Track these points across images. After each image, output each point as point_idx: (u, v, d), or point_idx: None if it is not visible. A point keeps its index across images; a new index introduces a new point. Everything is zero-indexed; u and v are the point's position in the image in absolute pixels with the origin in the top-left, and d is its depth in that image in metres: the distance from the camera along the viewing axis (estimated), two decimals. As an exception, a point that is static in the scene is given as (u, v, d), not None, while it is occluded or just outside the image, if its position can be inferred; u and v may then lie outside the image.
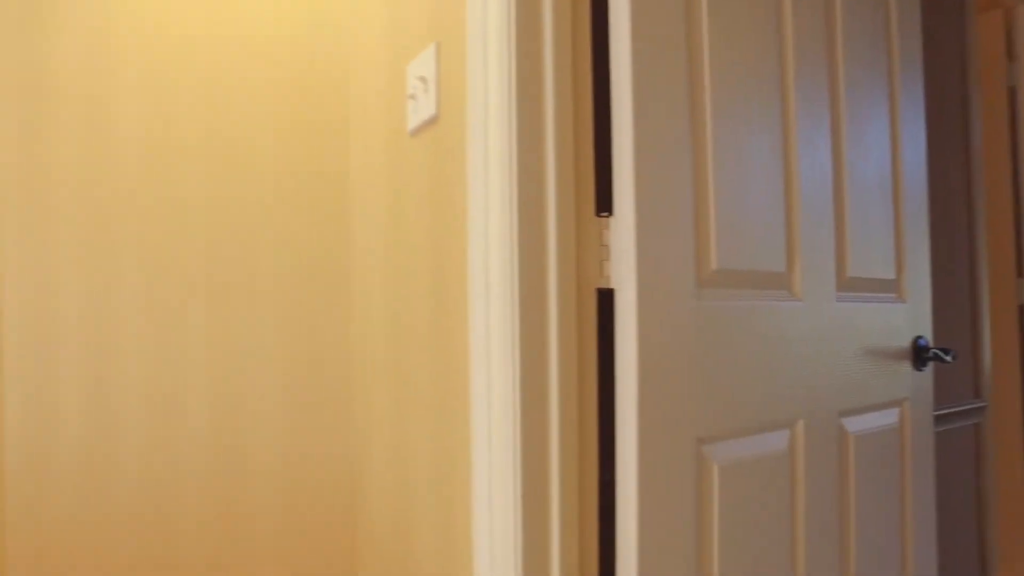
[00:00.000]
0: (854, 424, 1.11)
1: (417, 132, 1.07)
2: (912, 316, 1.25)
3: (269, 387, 1.43)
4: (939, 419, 1.60)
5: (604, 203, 0.86)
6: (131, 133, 1.57)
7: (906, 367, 1.23)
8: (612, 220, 0.85)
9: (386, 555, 1.22)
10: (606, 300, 0.86)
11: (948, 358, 1.21)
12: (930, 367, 1.27)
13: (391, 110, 1.18)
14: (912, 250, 1.25)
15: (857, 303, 1.12)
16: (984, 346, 1.80)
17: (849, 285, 1.11)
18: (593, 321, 0.86)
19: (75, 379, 1.64)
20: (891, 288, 1.21)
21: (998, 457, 1.95)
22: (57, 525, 1.67)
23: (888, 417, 1.18)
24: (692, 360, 0.86)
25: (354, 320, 1.37)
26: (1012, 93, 1.95)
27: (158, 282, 1.54)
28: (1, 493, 1.72)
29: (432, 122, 1.02)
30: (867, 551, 1.12)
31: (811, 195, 1.04)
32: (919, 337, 1.25)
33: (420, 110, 1.05)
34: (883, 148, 1.19)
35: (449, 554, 0.97)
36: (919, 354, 1.24)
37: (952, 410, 1.65)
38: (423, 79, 1.04)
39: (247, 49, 1.45)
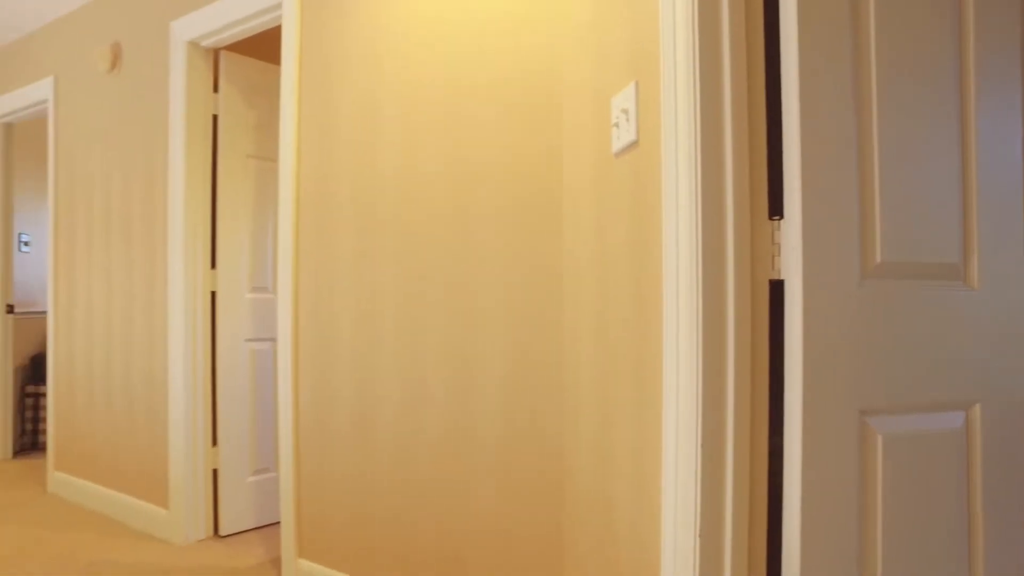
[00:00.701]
0: None
1: (620, 154, 1.32)
2: None
3: (494, 373, 1.77)
4: None
5: (776, 208, 1.03)
6: (389, 161, 2.02)
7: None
8: (783, 223, 1.02)
9: (588, 518, 1.48)
10: (777, 290, 1.03)
11: None
12: None
13: (598, 136, 1.44)
14: None
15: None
16: None
17: (1041, 280, 1.14)
18: (766, 308, 1.04)
19: (348, 363, 2.13)
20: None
21: None
22: (333, 477, 2.16)
23: None
24: (855, 341, 0.99)
25: (565, 316, 1.65)
26: None
27: (408, 283, 1.95)
28: (298, 450, 2.28)
29: (632, 146, 1.26)
30: (1062, 544, 1.13)
31: (994, 184, 1.10)
32: None
33: (622, 136, 1.29)
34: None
35: (641, 517, 1.20)
36: None
37: None
38: (625, 110, 1.28)
39: (479, 92, 1.80)
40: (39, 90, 3.55)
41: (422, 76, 1.93)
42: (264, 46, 3.20)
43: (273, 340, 2.90)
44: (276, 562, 2.46)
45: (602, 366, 1.41)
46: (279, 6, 2.36)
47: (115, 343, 3.04)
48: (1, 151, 4.03)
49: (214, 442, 2.76)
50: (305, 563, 2.22)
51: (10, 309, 4.08)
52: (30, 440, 4.23)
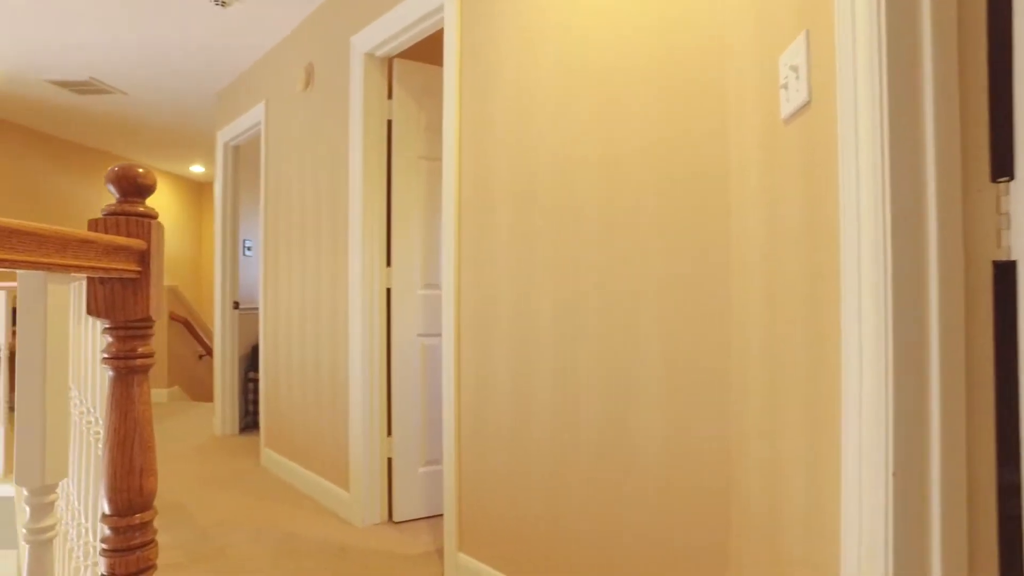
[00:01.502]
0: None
1: (790, 119, 1.11)
2: None
3: (652, 377, 1.61)
4: None
5: (1001, 167, 0.78)
6: (543, 154, 1.94)
7: None
8: (1012, 184, 0.76)
9: (757, 530, 1.27)
10: (1005, 274, 0.77)
11: None
12: None
13: (765, 103, 1.23)
14: None
15: None
16: None
17: None
18: (989, 299, 0.79)
19: (505, 362, 2.09)
20: None
21: None
22: (492, 475, 2.13)
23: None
24: None
25: (732, 311, 1.45)
26: None
27: (563, 280, 1.86)
28: (459, 445, 2.29)
29: (804, 108, 1.05)
30: None
31: None
32: None
33: (792, 97, 1.08)
34: None
35: (816, 538, 0.98)
36: None
37: None
38: (794, 67, 1.07)
39: (635, 74, 1.66)
40: (254, 114, 4.03)
41: (577, 65, 1.83)
42: (432, 50, 3.32)
43: (439, 336, 2.98)
44: (440, 552, 2.51)
45: (770, 370, 1.20)
46: (441, 9, 2.41)
47: (307, 337, 3.34)
48: (230, 169, 4.65)
49: (389, 432, 2.90)
50: (464, 557, 2.23)
51: (236, 305, 4.69)
52: (252, 419, 4.83)
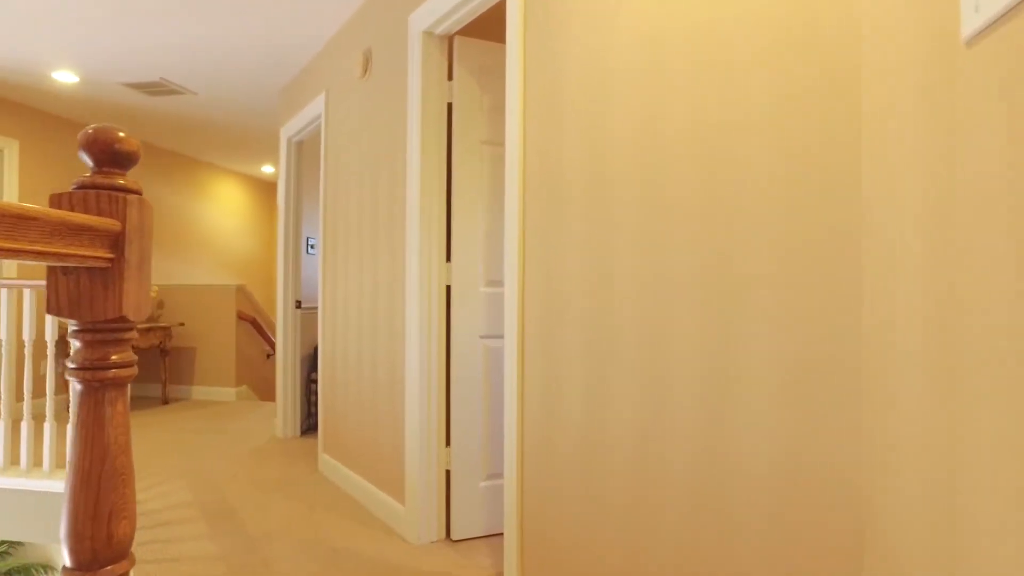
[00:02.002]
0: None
1: (978, 38, 0.79)
2: None
3: (763, 387, 1.30)
4: None
5: None
6: (622, 131, 1.65)
7: None
8: None
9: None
10: None
11: None
12: None
13: (928, 26, 0.91)
14: None
15: None
16: None
17: None
18: None
19: (576, 368, 1.81)
20: None
21: None
22: (558, 495, 1.86)
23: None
24: None
25: (865, 308, 1.13)
26: None
27: (648, 275, 1.57)
28: (522, 460, 2.03)
29: (1009, 14, 0.73)
30: None
31: None
32: None
33: (985, 5, 0.76)
34: None
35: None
36: None
37: None
38: (992, -36, 0.75)
39: (734, 27, 1.35)
40: (315, 106, 3.90)
41: (661, 28, 1.54)
42: (495, 26, 3.07)
43: (502, 337, 2.73)
44: (503, 580, 2.26)
45: (942, 369, 0.88)
46: (504, -29, 2.15)
47: (363, 337, 3.16)
48: (293, 165, 4.56)
49: (447, 442, 2.67)
50: (528, 591, 1.96)
51: (298, 305, 4.60)
52: (314, 421, 4.74)
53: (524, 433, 2.02)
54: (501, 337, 2.70)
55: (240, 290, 6.17)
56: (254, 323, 6.27)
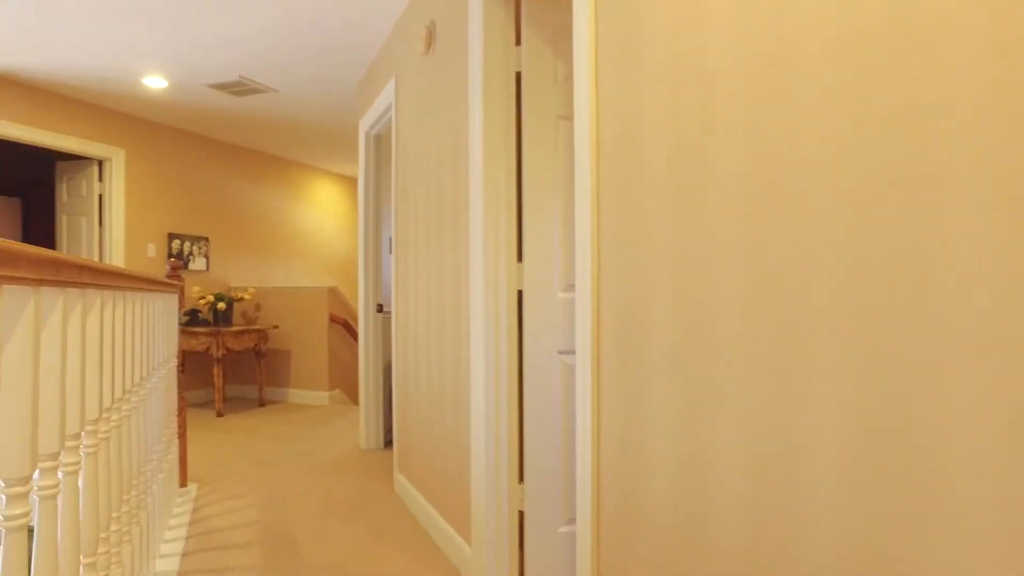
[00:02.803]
0: None
1: None
2: None
3: (968, 437, 0.77)
4: None
5: None
6: (727, 89, 1.14)
7: None
8: None
9: None
10: None
11: None
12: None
13: None
14: None
15: None
16: None
17: None
18: None
19: (664, 399, 1.32)
20: None
21: None
22: (644, 558, 1.38)
23: None
24: None
25: None
26: None
27: (766, 279, 1.06)
28: (597, 508, 1.57)
29: None
30: None
31: None
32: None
33: None
34: None
35: None
36: None
37: None
38: None
39: None
40: (386, 94, 3.60)
41: None
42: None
43: (589, 352, 2.26)
44: (582, 659, 1.80)
45: None
46: None
47: (432, 347, 2.80)
48: (371, 159, 4.31)
49: (520, 478, 2.25)
50: None
51: (379, 308, 4.35)
52: (398, 431, 4.47)
53: (600, 477, 1.56)
54: (583, 351, 2.24)
55: (332, 292, 6.07)
56: (346, 326, 6.16)
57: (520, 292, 2.24)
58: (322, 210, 7.78)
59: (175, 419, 3.07)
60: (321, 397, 5.91)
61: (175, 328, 3.07)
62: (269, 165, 6.90)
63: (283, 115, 5.35)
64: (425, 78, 2.88)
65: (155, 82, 4.54)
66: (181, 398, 3.22)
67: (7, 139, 4.58)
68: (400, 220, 3.32)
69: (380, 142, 4.36)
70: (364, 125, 4.25)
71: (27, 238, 7.34)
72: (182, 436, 3.21)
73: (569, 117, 2.24)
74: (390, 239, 5.39)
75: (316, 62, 4.15)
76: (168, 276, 3.20)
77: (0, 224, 7.39)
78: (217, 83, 4.54)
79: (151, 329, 2.35)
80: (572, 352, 2.22)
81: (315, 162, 7.37)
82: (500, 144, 2.22)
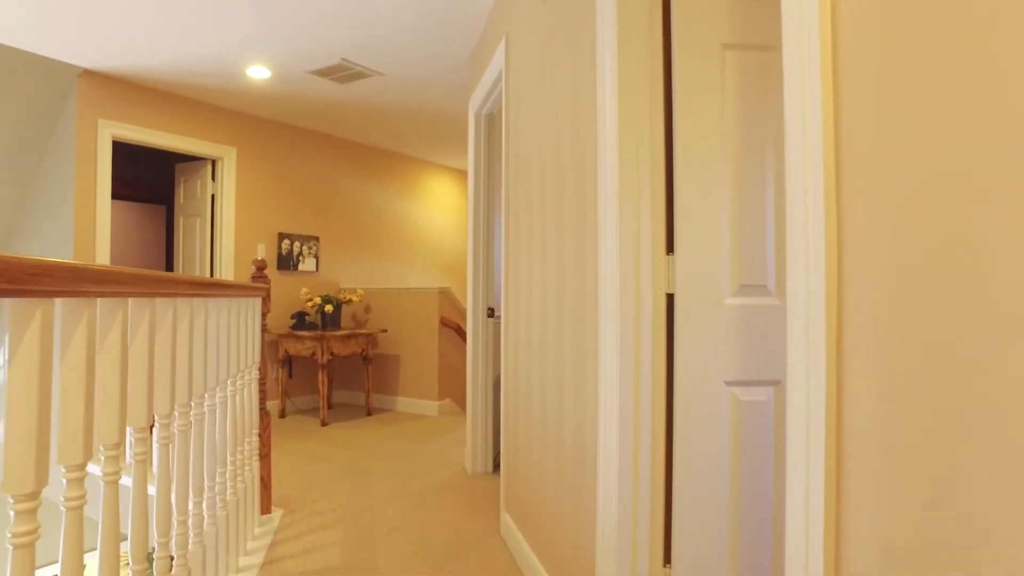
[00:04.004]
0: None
1: None
2: None
3: None
4: None
5: None
6: None
7: None
8: None
9: None
10: None
11: None
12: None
13: None
14: None
15: None
16: None
17: None
18: None
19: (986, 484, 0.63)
20: None
21: None
22: None
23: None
24: None
25: None
26: None
27: None
28: None
29: None
30: None
31: None
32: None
33: None
34: None
35: None
36: None
37: None
38: None
39: None
40: (496, 62, 3.06)
41: None
42: None
43: (776, 384, 1.55)
44: None
45: None
46: None
47: (547, 363, 2.20)
48: (483, 143, 3.80)
49: (666, 559, 1.59)
50: None
51: (490, 313, 3.83)
52: (509, 453, 3.92)
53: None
54: (767, 384, 1.54)
55: (443, 294, 5.66)
56: (458, 330, 5.72)
57: (670, 296, 1.59)
58: (435, 207, 7.44)
59: (256, 437, 2.69)
60: (430, 407, 5.51)
61: (256, 334, 2.69)
62: (380, 160, 6.64)
63: (390, 101, 4.99)
64: (541, 31, 2.29)
65: (259, 72, 4.30)
66: (264, 413, 2.84)
67: (134, 143, 4.54)
68: (512, 207, 2.76)
69: (492, 123, 3.83)
70: (474, 104, 3.74)
71: (168, 243, 7.57)
72: (265, 457, 2.83)
73: (745, 46, 1.56)
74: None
75: (422, 37, 3.70)
76: (253, 278, 2.83)
77: (148, 231, 7.69)
78: (319, 68, 4.22)
79: (224, 336, 1.95)
80: (749, 383, 1.53)
81: (427, 156, 7.04)
82: (640, 90, 1.58)
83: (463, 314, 5.87)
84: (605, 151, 1.62)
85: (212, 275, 5.23)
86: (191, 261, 5.26)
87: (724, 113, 1.54)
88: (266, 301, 2.86)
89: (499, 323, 3.91)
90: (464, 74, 4.32)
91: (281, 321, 5.57)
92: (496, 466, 3.82)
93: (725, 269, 1.53)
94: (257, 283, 2.81)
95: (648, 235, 1.56)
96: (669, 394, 1.58)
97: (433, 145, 6.48)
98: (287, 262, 5.62)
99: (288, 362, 5.56)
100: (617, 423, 1.57)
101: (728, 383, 1.53)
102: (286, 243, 5.63)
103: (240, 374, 2.35)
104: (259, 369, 2.79)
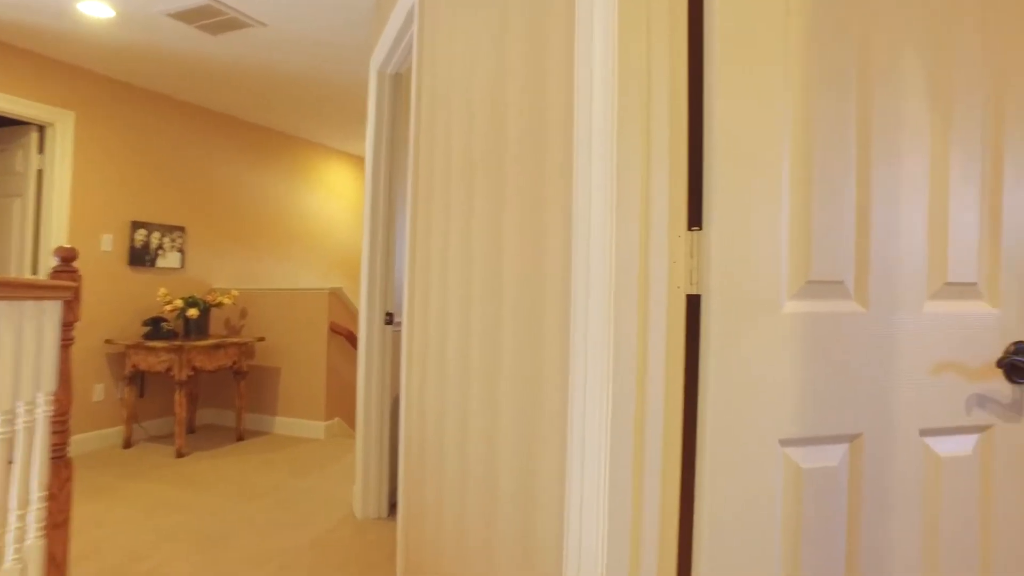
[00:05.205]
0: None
1: None
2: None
3: None
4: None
5: None
6: None
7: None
8: None
9: None
10: None
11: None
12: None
13: None
14: None
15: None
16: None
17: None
18: None
19: None
20: None
21: None
22: None
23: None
24: None
25: None
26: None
27: None
28: None
29: None
30: None
31: None
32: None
33: None
34: None
35: None
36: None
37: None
38: None
39: None
40: (403, 4, 2.38)
41: None
42: None
43: (854, 439, 0.98)
44: None
45: None
46: None
47: (472, 394, 1.54)
48: (385, 110, 3.09)
49: None
50: None
51: (389, 319, 3.13)
52: (411, 491, 3.22)
53: None
54: (839, 441, 0.97)
55: (335, 296, 4.86)
56: (351, 338, 4.94)
57: (694, 300, 0.98)
58: (333, 198, 6.59)
59: (43, 502, 1.85)
60: (316, 428, 4.69)
61: (52, 353, 1.86)
62: (265, 141, 5.73)
63: (277, 65, 4.16)
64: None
65: (97, 8, 3.37)
66: (63, 464, 2.00)
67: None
68: (421, 183, 2.09)
69: (398, 85, 3.14)
70: (376, 61, 3.04)
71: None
72: (60, 527, 1.99)
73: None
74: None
75: (309, -27, 2.96)
76: (54, 273, 1.99)
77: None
78: (179, 10, 3.35)
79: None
80: (819, 441, 0.96)
81: (324, 139, 6.19)
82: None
83: (358, 320, 5.09)
84: (592, 68, 1.00)
85: (36, 272, 4.16)
86: (3, 254, 4.16)
87: (790, 11, 0.97)
88: (72, 305, 2.02)
89: (400, 331, 3.21)
90: (368, 32, 3.60)
91: (132, 329, 4.56)
92: (393, 507, 3.12)
93: (783, 254, 0.95)
94: (59, 280, 1.98)
95: (659, 204, 0.96)
96: (689, 451, 0.98)
97: (331, 126, 5.66)
98: (142, 257, 4.61)
99: (138, 379, 4.56)
100: (594, 498, 0.94)
101: (783, 443, 0.95)
102: (142, 234, 4.62)
103: (13, 413, 1.54)
104: (57, 400, 1.96)
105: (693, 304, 0.97)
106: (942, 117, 1.04)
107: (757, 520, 0.94)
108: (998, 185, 1.07)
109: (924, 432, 1.01)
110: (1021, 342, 1.06)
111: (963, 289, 1.04)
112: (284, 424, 4.80)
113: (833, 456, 0.97)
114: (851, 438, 0.98)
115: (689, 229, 0.97)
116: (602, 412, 0.95)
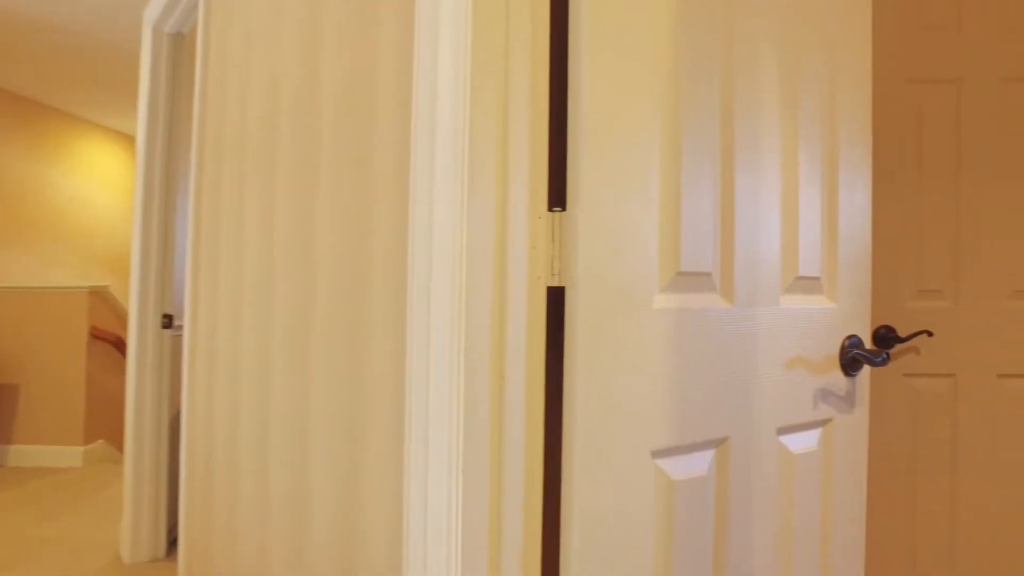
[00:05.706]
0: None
1: None
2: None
3: None
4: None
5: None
6: None
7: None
8: None
9: None
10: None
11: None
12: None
13: None
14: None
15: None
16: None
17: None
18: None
19: None
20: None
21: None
22: None
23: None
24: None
25: None
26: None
27: None
28: None
29: None
30: None
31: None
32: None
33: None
34: None
35: None
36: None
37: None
38: None
39: None
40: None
41: None
42: None
43: (720, 444, 0.90)
44: None
45: None
46: None
47: (273, 413, 1.27)
48: (162, 77, 2.60)
49: None
50: None
51: (168, 322, 2.64)
52: (195, 522, 2.76)
53: None
54: (706, 447, 0.88)
55: (98, 295, 4.09)
56: (119, 344, 4.19)
57: (556, 292, 0.83)
58: (96, 183, 5.58)
59: None
60: (71, 455, 3.90)
61: None
62: (10, 110, 4.67)
63: (28, 17, 3.36)
64: None
65: None
66: None
67: None
68: (208, 157, 1.73)
69: (181, 47, 2.66)
70: (151, 16, 2.54)
71: None
72: None
73: None
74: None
75: None
76: None
77: None
78: None
79: None
80: (688, 448, 0.86)
81: (84, 112, 5.22)
82: None
83: (127, 325, 4.34)
84: (438, 14, 0.81)
85: None
86: None
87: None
88: None
89: (181, 335, 2.73)
90: (137, -18, 3.03)
91: None
92: (173, 544, 2.64)
93: (654, 242, 0.84)
94: None
95: (522, 171, 0.80)
96: (552, 484, 0.83)
97: (93, 96, 4.77)
98: None
99: None
100: (458, 551, 0.76)
101: (655, 454, 0.84)
102: None
103: None
104: None
105: (555, 297, 0.82)
106: (792, 114, 1.01)
107: (629, 546, 0.82)
108: (834, 181, 1.07)
109: (780, 431, 0.97)
110: (854, 336, 1.08)
111: (810, 283, 1.03)
112: (24, 453, 3.93)
113: (703, 464, 0.88)
114: (718, 443, 0.90)
115: (550, 209, 0.82)
116: (447, 442, 0.76)
